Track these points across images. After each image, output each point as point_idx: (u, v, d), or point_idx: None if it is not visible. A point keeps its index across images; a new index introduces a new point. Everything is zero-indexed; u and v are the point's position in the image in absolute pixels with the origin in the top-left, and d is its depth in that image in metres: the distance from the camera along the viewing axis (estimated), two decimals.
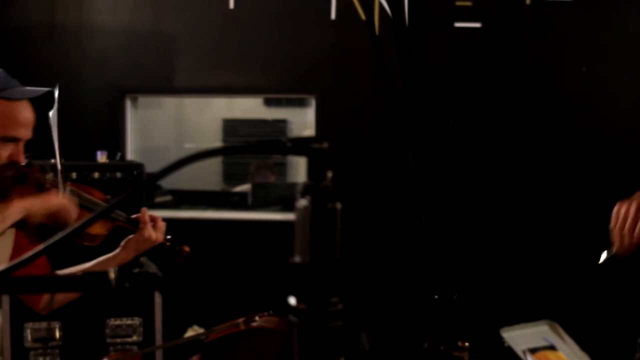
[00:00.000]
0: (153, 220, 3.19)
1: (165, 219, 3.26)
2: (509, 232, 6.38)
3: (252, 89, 7.08)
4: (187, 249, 3.35)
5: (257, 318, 3.13)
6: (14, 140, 2.81)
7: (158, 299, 5.25)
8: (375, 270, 6.36)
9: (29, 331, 5.07)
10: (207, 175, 9.20)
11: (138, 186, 2.87)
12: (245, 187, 8.03)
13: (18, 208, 2.71)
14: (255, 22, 6.66)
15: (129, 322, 5.33)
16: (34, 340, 5.12)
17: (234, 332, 3.15)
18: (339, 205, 1.10)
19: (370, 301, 6.11)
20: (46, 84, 2.95)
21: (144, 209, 3.20)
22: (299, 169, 9.28)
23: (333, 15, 6.53)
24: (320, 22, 6.57)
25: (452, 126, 6.47)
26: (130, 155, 6.88)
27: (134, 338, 5.33)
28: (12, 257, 3.03)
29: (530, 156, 6.40)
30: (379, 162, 6.47)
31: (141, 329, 5.34)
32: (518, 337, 2.13)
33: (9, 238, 3.03)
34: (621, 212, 2.80)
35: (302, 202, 1.10)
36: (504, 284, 6.28)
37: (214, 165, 9.41)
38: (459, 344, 1.63)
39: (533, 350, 2.10)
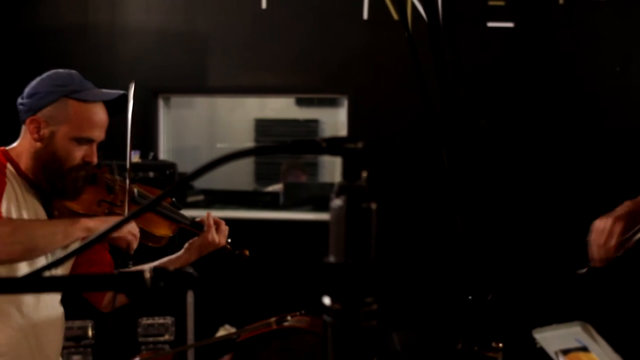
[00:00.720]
0: (217, 224, 3.22)
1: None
2: (542, 232, 6.35)
3: (284, 88, 7.09)
4: (247, 252, 3.36)
5: (289, 318, 3.14)
6: (89, 141, 2.86)
7: (190, 298, 5.29)
8: (408, 270, 6.35)
9: None
10: (239, 175, 9.21)
11: (173, 186, 2.88)
12: (277, 187, 8.04)
13: (84, 228, 2.74)
14: (287, 22, 6.66)
15: (161, 321, 5.39)
16: (67, 339, 5.18)
17: (266, 332, 3.16)
18: (373, 205, 1.10)
19: (402, 301, 6.10)
20: None
21: (208, 213, 3.23)
22: (330, 168, 9.28)
23: (365, 15, 6.53)
24: (352, 21, 6.57)
25: (484, 126, 6.45)
26: (162, 155, 6.91)
27: (166, 337, 5.38)
28: (79, 257, 3.09)
29: (563, 156, 6.36)
30: (411, 161, 6.46)
31: (173, 328, 5.40)
32: (550, 338, 2.12)
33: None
34: (601, 226, 2.88)
35: (337, 202, 1.10)
36: (537, 285, 6.26)
37: (246, 165, 9.43)
38: (493, 344, 1.62)
39: (565, 352, 2.09)
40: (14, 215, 2.75)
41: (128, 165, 3.03)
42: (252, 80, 6.82)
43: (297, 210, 7.10)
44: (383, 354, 5.08)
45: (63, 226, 2.74)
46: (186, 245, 3.22)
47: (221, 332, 6.07)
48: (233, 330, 5.86)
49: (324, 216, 6.58)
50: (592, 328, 2.04)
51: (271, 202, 7.52)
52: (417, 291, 6.36)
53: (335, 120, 8.92)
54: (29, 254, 2.69)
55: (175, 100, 7.45)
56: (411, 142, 6.44)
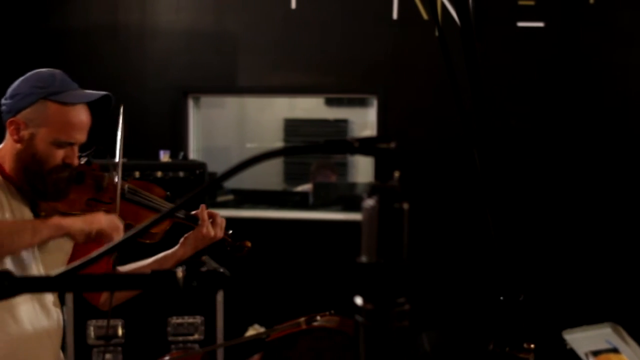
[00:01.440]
0: (212, 217, 3.16)
1: (226, 218, 3.25)
2: (573, 233, 6.32)
3: (314, 88, 7.09)
4: (248, 243, 3.32)
5: (318, 318, 3.13)
6: (69, 144, 2.82)
7: (220, 297, 5.30)
8: (439, 270, 6.34)
9: (92, 329, 5.16)
10: (269, 175, 9.22)
11: (204, 187, 2.88)
12: (306, 187, 8.04)
13: (55, 226, 2.67)
14: (316, 22, 6.67)
15: (191, 320, 5.40)
16: (97, 337, 5.21)
17: (295, 332, 3.16)
18: (406, 206, 1.10)
19: (433, 301, 6.09)
20: (109, 85, 2.97)
21: (202, 206, 3.16)
22: (360, 168, 9.28)
23: (395, 15, 6.52)
24: (382, 21, 6.57)
25: (513, 126, 6.43)
26: (192, 155, 6.93)
27: (196, 336, 5.39)
28: (71, 258, 3.04)
29: (594, 156, 6.33)
30: (442, 161, 6.45)
31: (203, 328, 5.41)
32: (581, 339, 2.12)
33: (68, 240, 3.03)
34: None
35: (370, 202, 1.10)
36: (568, 286, 6.23)
37: (276, 164, 9.44)
38: (525, 345, 1.62)
39: (596, 353, 2.08)
40: None
41: (119, 165, 2.99)
42: (282, 80, 6.84)
43: (327, 210, 7.10)
44: (412, 354, 5.07)
45: (31, 224, 2.71)
46: (181, 240, 3.16)
47: (250, 332, 6.09)
48: (262, 329, 5.87)
49: (353, 216, 6.58)
50: (623, 329, 2.04)
51: (301, 202, 7.52)
52: (447, 291, 6.35)
53: (364, 120, 8.91)
54: None
55: (205, 100, 7.48)
56: (441, 141, 6.43)
